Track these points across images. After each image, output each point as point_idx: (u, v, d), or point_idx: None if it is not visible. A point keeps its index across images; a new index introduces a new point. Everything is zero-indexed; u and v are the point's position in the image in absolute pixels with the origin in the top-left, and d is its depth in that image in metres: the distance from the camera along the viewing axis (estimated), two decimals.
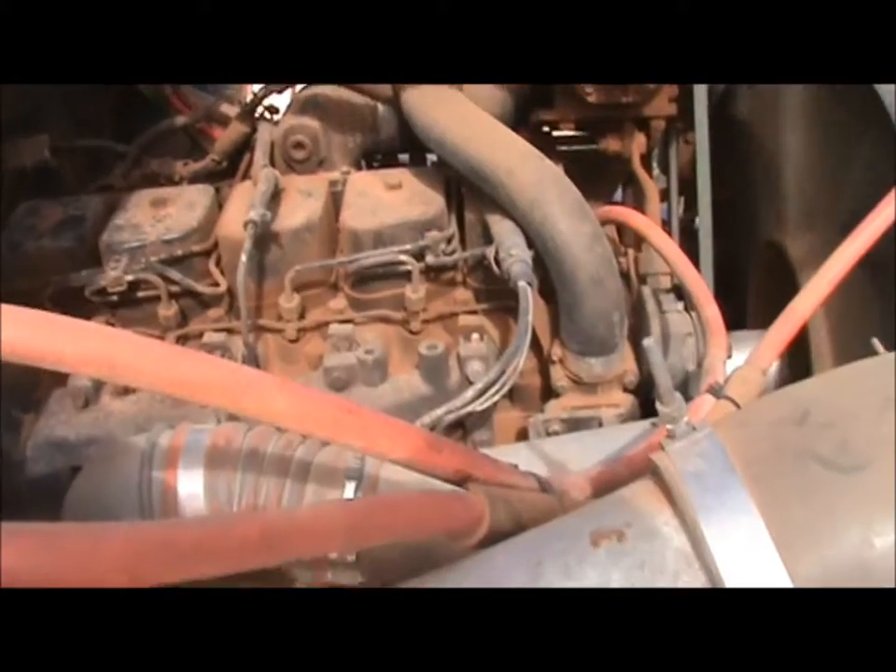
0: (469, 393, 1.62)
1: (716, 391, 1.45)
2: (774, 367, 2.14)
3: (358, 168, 2.24)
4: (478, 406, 1.63)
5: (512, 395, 1.94)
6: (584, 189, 2.06)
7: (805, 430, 0.91)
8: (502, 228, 1.84)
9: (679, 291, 1.99)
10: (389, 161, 2.31)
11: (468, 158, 1.84)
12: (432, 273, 1.95)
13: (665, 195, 2.40)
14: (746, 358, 1.53)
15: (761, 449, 0.93)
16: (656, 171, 2.35)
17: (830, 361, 2.08)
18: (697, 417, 1.41)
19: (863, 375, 0.98)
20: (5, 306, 0.75)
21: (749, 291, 2.47)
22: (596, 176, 2.28)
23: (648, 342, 1.02)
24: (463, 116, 1.92)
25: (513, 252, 1.76)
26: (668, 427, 1.02)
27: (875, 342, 1.56)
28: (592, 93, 1.94)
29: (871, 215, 1.58)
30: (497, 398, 1.64)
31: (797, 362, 2.10)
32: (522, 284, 1.72)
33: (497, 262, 1.80)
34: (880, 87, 1.81)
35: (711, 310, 1.64)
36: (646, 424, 1.60)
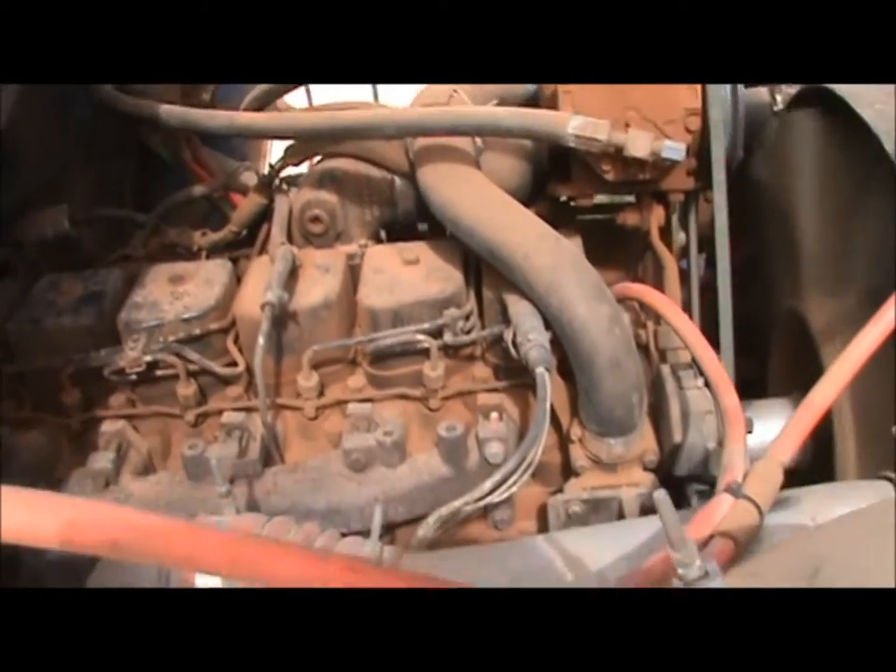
0: (487, 485, 1.62)
1: (734, 490, 1.44)
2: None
3: (377, 240, 2.23)
4: (496, 498, 1.63)
5: (534, 472, 1.93)
6: (603, 261, 2.07)
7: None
8: (519, 309, 1.83)
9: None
10: (409, 231, 2.29)
11: (484, 240, 1.84)
12: (451, 349, 1.94)
13: (685, 252, 2.39)
14: (766, 449, 1.52)
15: None
16: (675, 224, 2.33)
17: (853, 440, 2.06)
18: (716, 518, 1.41)
19: (872, 523, 0.98)
20: (5, 488, 0.75)
21: (772, 356, 2.46)
22: (615, 248, 2.28)
23: (658, 494, 1.01)
24: (478, 196, 1.91)
25: (531, 336, 1.76)
26: (680, 571, 1.01)
27: None
28: (609, 170, 1.93)
29: (889, 301, 1.57)
30: (514, 488, 1.64)
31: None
32: (540, 370, 1.71)
33: (515, 345, 1.79)
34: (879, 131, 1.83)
35: (730, 399, 1.62)
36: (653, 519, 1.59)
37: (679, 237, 2.27)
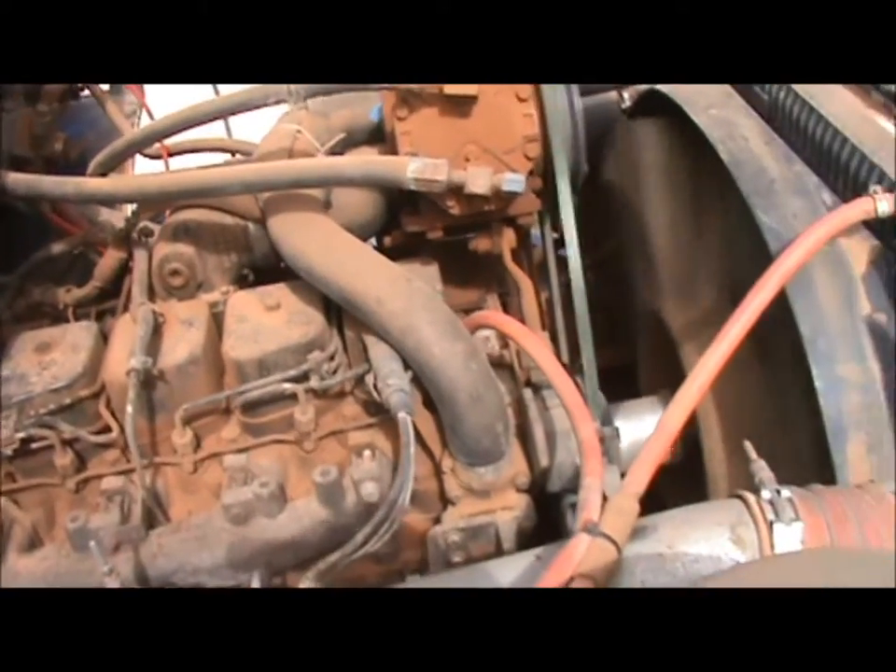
0: (359, 538, 1.67)
1: (591, 529, 1.50)
2: None
3: (241, 284, 2.24)
4: (370, 549, 1.68)
5: (413, 500, 1.98)
6: (465, 281, 2.11)
7: None
8: (378, 353, 1.87)
9: None
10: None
11: (338, 288, 1.87)
12: (321, 391, 1.98)
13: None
14: (622, 483, 1.58)
15: None
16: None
17: (719, 437, 2.14)
18: (575, 559, 1.47)
19: None
20: None
21: (638, 352, 2.53)
22: (476, 267, 2.31)
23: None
24: (328, 243, 1.93)
25: (390, 382, 1.80)
26: None
27: (748, 445, 1.62)
28: (454, 206, 1.97)
29: (728, 323, 1.63)
30: (387, 537, 1.68)
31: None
32: (402, 416, 1.76)
33: (377, 389, 1.83)
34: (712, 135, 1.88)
35: (585, 431, 1.68)
36: (531, 556, 1.64)
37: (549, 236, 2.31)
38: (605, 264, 2.71)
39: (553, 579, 1.45)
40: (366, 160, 1.93)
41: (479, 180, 1.86)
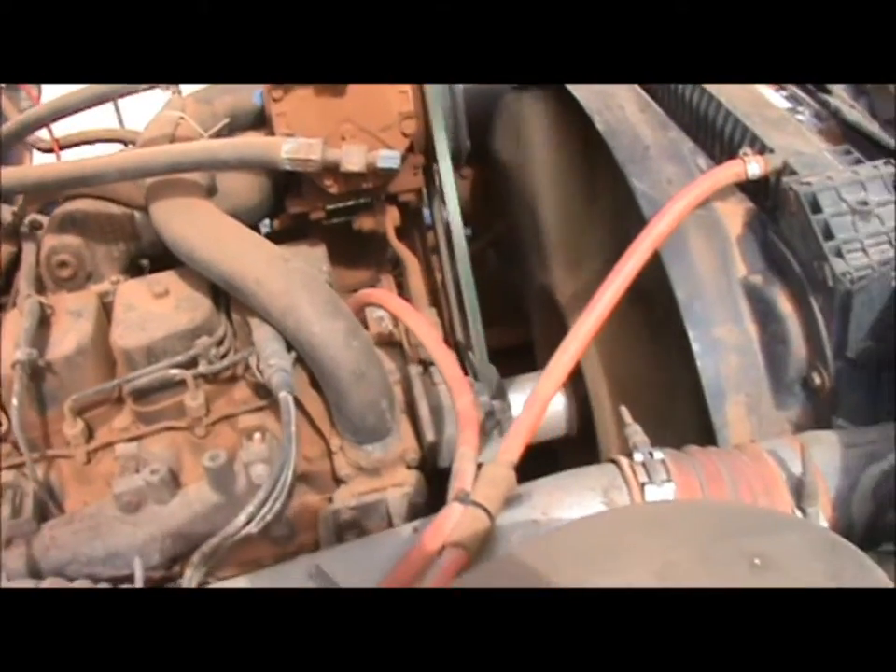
0: (242, 517, 1.66)
1: (463, 498, 1.50)
2: (562, 401, 2.23)
3: (133, 272, 2.23)
4: (252, 529, 1.67)
5: (307, 481, 1.98)
6: (354, 262, 2.11)
7: None
8: (261, 334, 1.87)
9: None
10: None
11: (219, 271, 1.87)
12: (210, 375, 1.97)
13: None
14: (497, 452, 1.59)
15: None
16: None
17: (610, 408, 2.15)
18: (446, 528, 1.47)
19: (509, 568, 1.03)
20: None
21: (533, 332, 2.54)
22: (365, 247, 2.31)
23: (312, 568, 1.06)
24: (208, 227, 1.93)
25: (272, 362, 1.80)
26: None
27: (623, 410, 1.63)
28: (332, 185, 1.97)
29: (596, 295, 1.64)
30: (270, 517, 1.68)
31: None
32: (283, 395, 1.75)
33: (260, 370, 1.83)
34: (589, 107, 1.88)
35: (462, 402, 1.68)
36: (409, 528, 1.64)
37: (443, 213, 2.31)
38: (503, 241, 2.72)
39: (424, 548, 1.45)
40: (240, 141, 1.93)
41: (353, 158, 1.87)
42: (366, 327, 2.14)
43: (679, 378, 1.84)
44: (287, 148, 1.84)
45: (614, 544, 1.02)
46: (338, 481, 1.97)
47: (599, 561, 1.00)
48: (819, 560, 1.03)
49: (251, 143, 1.92)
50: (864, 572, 1.08)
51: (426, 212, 2.37)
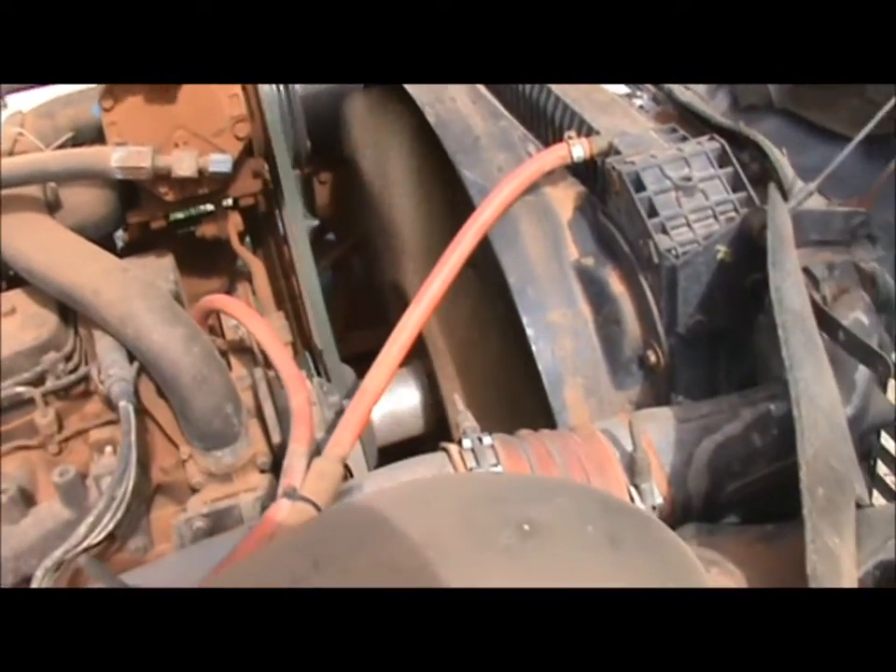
0: (82, 529, 1.65)
1: (290, 494, 1.50)
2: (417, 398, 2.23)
3: None
4: (94, 539, 1.66)
5: (165, 492, 1.97)
6: (204, 272, 2.10)
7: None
8: (102, 346, 1.86)
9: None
10: None
11: (56, 284, 1.85)
12: (61, 391, 1.95)
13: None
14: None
15: None
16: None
17: (457, 384, 2.15)
18: (272, 525, 1.46)
19: (273, 556, 1.03)
20: None
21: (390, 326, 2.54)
22: (211, 258, 2.31)
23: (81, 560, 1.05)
24: (45, 242, 1.92)
25: (112, 372, 1.79)
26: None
27: (455, 398, 1.63)
28: (167, 192, 1.96)
29: (425, 283, 1.65)
30: (111, 527, 1.67)
31: None
32: (122, 404, 1.75)
33: (101, 381, 1.82)
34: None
35: (297, 399, 1.69)
36: (245, 529, 1.64)
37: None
38: (365, 246, 2.72)
39: (250, 545, 1.45)
40: (68, 153, 1.92)
41: (184, 163, 1.86)
42: (222, 335, 2.14)
43: (523, 366, 1.84)
44: (117, 157, 1.84)
45: (379, 519, 1.01)
46: (194, 490, 1.96)
47: (361, 535, 1.00)
48: (593, 523, 1.02)
49: (78, 153, 1.91)
50: (646, 533, 1.08)
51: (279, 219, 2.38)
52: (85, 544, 1.66)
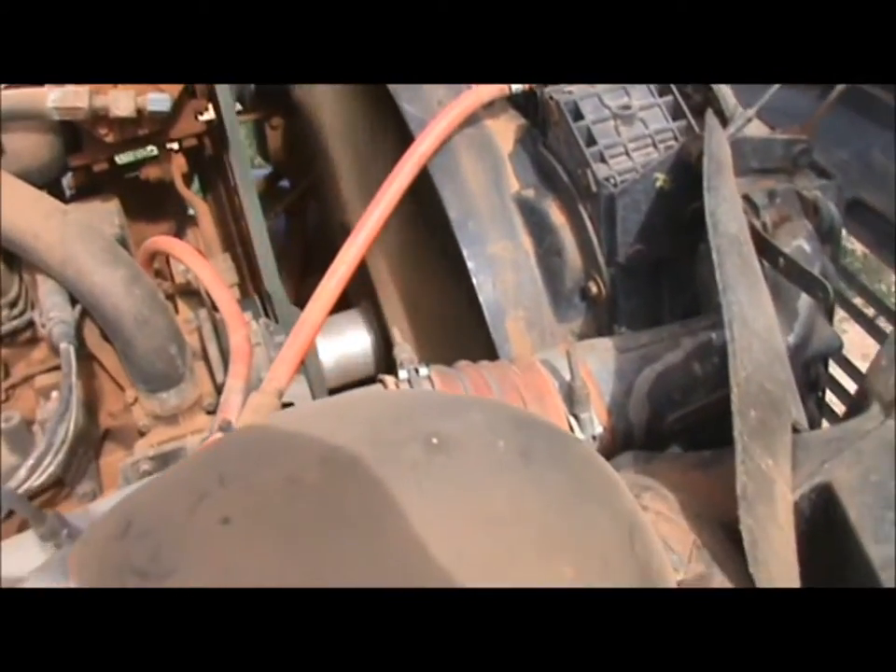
0: (22, 472, 1.65)
1: (225, 428, 1.49)
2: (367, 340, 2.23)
3: None
4: (35, 482, 1.66)
5: (113, 437, 1.96)
6: (152, 217, 2.09)
7: (124, 543, 0.94)
8: (44, 289, 1.84)
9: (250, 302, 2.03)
10: None
11: None
12: (7, 337, 1.94)
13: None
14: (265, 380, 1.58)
15: (92, 570, 0.96)
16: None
17: (405, 322, 2.15)
18: None
19: (180, 474, 1.02)
20: None
21: None
22: (158, 202, 2.30)
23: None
24: None
25: (52, 315, 1.78)
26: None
27: (394, 331, 1.62)
28: (107, 133, 1.94)
29: (363, 218, 1.64)
30: (52, 469, 1.67)
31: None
32: (63, 346, 1.74)
33: (42, 325, 1.81)
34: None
35: (236, 337, 1.68)
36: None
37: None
38: (320, 188, 2.71)
39: None
40: (5, 94, 1.90)
41: (121, 103, 1.85)
42: (171, 278, 2.13)
43: (465, 300, 1.84)
44: (54, 97, 1.82)
45: (286, 435, 1.01)
46: (141, 434, 1.95)
47: (265, 451, 0.99)
48: (504, 438, 1.01)
49: (16, 94, 1.88)
50: (561, 449, 1.07)
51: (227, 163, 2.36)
52: (26, 486, 1.65)
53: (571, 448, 1.09)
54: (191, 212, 2.38)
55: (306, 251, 2.81)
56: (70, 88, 1.83)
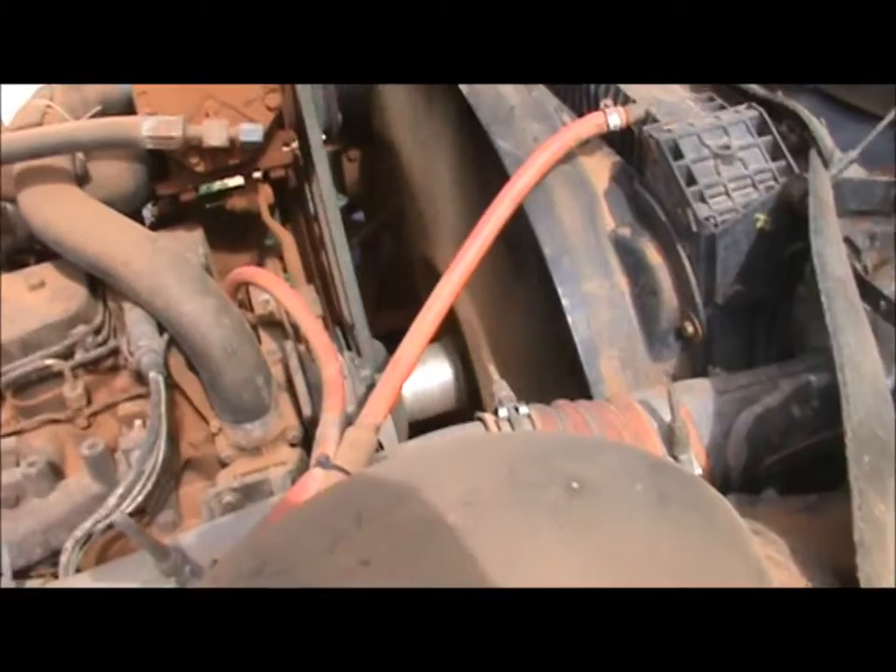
0: (112, 500, 1.64)
1: (323, 462, 1.48)
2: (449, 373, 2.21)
3: (15, 268, 2.19)
4: (126, 510, 1.65)
5: (193, 467, 1.95)
6: (233, 245, 2.08)
7: (259, 583, 0.93)
8: (131, 317, 1.85)
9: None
10: None
11: (85, 255, 1.84)
12: (90, 364, 1.94)
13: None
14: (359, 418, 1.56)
15: None
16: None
17: (489, 358, 2.13)
18: (308, 493, 1.44)
19: (314, 512, 1.01)
20: None
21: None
22: (241, 232, 2.29)
23: (118, 518, 1.03)
24: (75, 213, 1.91)
25: (141, 343, 1.78)
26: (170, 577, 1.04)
27: (491, 369, 1.61)
28: (198, 163, 1.94)
29: (460, 252, 1.63)
30: (140, 498, 1.66)
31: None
32: (152, 375, 1.73)
33: (131, 353, 1.81)
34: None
35: (329, 370, 1.67)
36: (277, 499, 1.62)
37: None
38: (396, 224, 2.70)
39: (284, 512, 1.43)
40: (98, 122, 1.90)
41: (215, 133, 1.85)
42: (251, 309, 2.12)
43: (556, 337, 1.82)
44: (148, 126, 1.82)
45: (419, 474, 0.99)
46: (223, 464, 1.94)
47: (402, 490, 0.97)
48: (641, 481, 1.00)
49: (109, 123, 1.89)
50: (692, 492, 1.06)
51: (308, 194, 2.35)
52: (116, 514, 1.64)
53: (702, 492, 1.08)
54: (269, 242, 2.38)
55: (379, 285, 2.80)
56: (164, 117, 1.83)
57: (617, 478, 1.00)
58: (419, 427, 2.17)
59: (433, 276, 2.23)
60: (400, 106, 2.44)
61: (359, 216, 2.97)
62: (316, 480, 1.46)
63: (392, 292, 2.68)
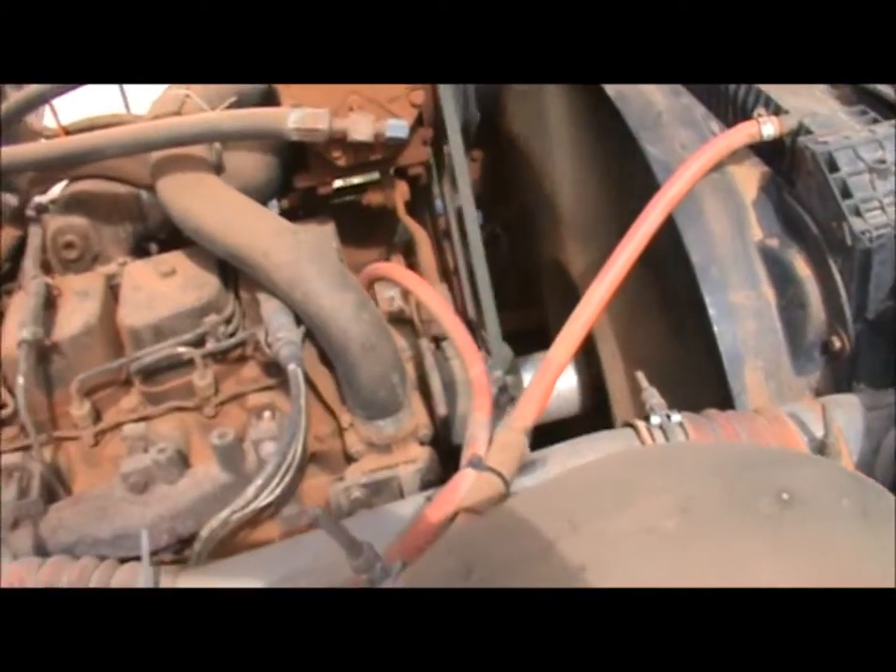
0: (251, 490, 1.63)
1: (476, 463, 1.47)
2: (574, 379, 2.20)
3: (140, 254, 2.20)
4: (262, 502, 1.64)
5: (318, 461, 1.95)
6: (363, 240, 2.08)
7: (472, 583, 0.92)
8: (269, 308, 1.84)
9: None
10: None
11: (225, 245, 1.84)
12: (219, 354, 1.94)
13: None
14: (507, 418, 1.55)
15: None
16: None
17: (620, 364, 2.12)
18: (459, 494, 1.43)
19: (521, 516, 1.00)
20: None
21: (548, 310, 2.51)
22: (374, 225, 2.29)
23: (316, 512, 1.03)
24: (215, 201, 1.90)
25: (280, 335, 1.77)
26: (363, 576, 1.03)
27: (639, 375, 1.59)
28: (340, 156, 1.94)
29: (611, 258, 1.61)
30: (278, 491, 1.65)
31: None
32: (292, 367, 1.73)
33: (268, 345, 1.80)
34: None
35: (475, 370, 1.66)
36: (422, 497, 1.61)
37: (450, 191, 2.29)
38: (514, 224, 2.69)
39: (436, 513, 1.42)
40: (244, 113, 1.90)
41: (361, 127, 1.84)
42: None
43: (695, 345, 1.80)
44: (294, 118, 1.81)
45: (630, 480, 0.98)
46: (349, 459, 1.93)
47: (616, 496, 0.97)
48: (847, 495, 0.99)
49: (256, 113, 1.89)
50: (887, 505, 1.05)
51: (435, 191, 2.34)
52: (252, 507, 1.64)
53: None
54: (397, 239, 2.37)
55: (496, 286, 2.78)
56: (310, 110, 1.82)
57: (824, 491, 1.00)
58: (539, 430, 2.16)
59: (563, 278, 2.23)
60: (529, 108, 2.43)
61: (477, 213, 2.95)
62: (469, 480, 1.45)
63: (508, 294, 2.66)
